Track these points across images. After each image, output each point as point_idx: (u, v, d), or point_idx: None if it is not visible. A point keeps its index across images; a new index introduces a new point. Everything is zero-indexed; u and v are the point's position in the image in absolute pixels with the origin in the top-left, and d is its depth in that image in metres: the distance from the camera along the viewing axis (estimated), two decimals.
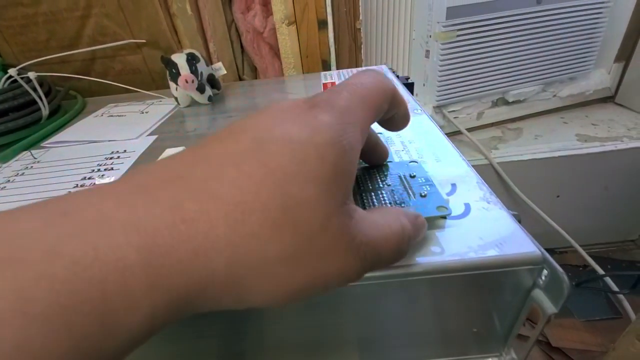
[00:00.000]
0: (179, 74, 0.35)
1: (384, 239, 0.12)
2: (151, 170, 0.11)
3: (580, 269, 0.67)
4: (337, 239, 0.11)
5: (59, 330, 0.08)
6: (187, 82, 0.35)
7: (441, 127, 0.73)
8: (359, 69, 0.47)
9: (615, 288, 0.56)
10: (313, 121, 0.11)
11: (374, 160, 0.20)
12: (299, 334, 0.19)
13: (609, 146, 0.63)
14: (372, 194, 0.18)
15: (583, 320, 0.59)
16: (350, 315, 0.18)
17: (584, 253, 0.59)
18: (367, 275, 0.16)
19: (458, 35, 0.59)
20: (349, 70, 0.47)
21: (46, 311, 0.08)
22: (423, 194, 0.18)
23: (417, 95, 0.69)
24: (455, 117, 0.69)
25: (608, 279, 0.56)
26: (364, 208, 0.17)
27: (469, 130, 0.68)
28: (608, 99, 0.76)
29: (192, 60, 0.35)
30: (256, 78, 0.59)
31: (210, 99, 0.39)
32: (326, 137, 0.11)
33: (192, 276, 0.09)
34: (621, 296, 0.57)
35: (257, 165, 0.10)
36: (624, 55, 0.70)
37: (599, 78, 0.73)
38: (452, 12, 0.56)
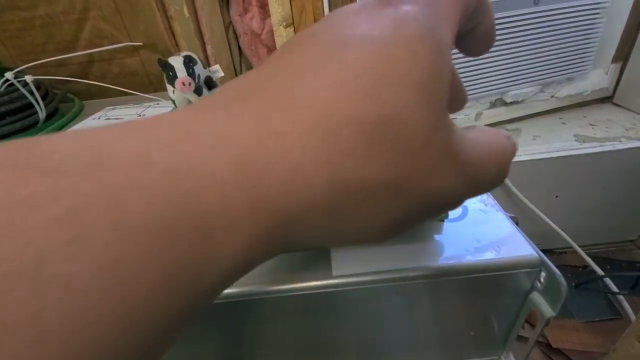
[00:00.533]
0: (176, 76, 0.35)
1: (486, 159, 0.11)
2: (226, 87, 0.10)
3: (580, 269, 0.67)
4: (442, 156, 0.09)
5: (160, 248, 0.07)
6: (184, 84, 0.35)
7: None
8: None
9: (614, 289, 0.56)
10: (396, 13, 0.09)
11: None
12: (297, 339, 0.19)
13: (608, 146, 0.62)
14: None
15: (583, 321, 0.58)
16: (348, 319, 0.18)
17: (583, 254, 0.59)
18: (365, 279, 0.16)
19: None
20: None
21: (144, 223, 0.07)
22: None
23: None
24: (453, 119, 0.68)
25: (608, 280, 0.56)
26: None
27: None
28: (606, 99, 0.76)
29: (189, 62, 0.35)
30: None
31: None
32: (416, 31, 0.09)
33: (293, 198, 0.08)
34: (621, 297, 0.57)
35: (338, 69, 0.09)
36: (622, 56, 0.70)
37: (597, 78, 0.73)
38: None
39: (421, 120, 0.09)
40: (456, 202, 0.10)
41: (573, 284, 0.61)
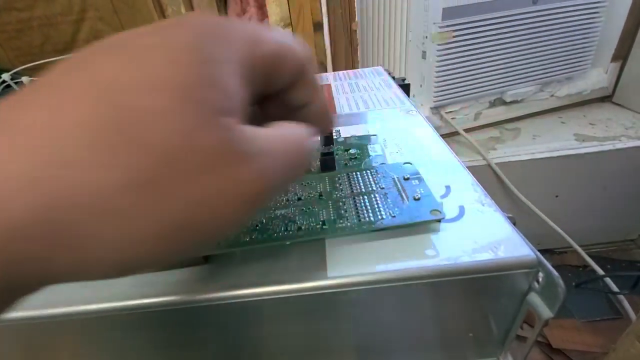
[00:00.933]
0: None
1: (275, 150, 0.10)
2: None
3: (580, 269, 0.67)
4: (211, 159, 0.08)
5: None
6: None
7: (439, 128, 0.72)
8: (356, 70, 0.47)
9: (615, 288, 0.56)
10: (172, 26, 0.09)
11: (299, 114, 0.13)
12: (291, 342, 0.19)
13: (607, 146, 0.62)
14: (365, 197, 0.18)
15: (583, 320, 0.58)
16: (343, 321, 0.18)
17: (583, 253, 0.59)
18: (361, 280, 0.16)
19: (454, 36, 0.58)
20: (345, 72, 0.47)
21: None
22: (416, 197, 0.17)
23: (414, 96, 0.69)
24: (452, 118, 0.68)
25: (608, 279, 0.56)
26: (357, 212, 0.17)
27: (467, 130, 0.68)
28: (605, 98, 0.76)
29: None
30: None
31: None
32: (182, 40, 0.09)
33: None
34: (621, 296, 0.56)
35: (77, 77, 0.08)
36: (621, 55, 0.70)
37: (596, 77, 0.73)
38: (448, 12, 0.56)
39: (176, 121, 0.08)
40: (244, 206, 0.09)
41: (573, 284, 0.61)
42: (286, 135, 0.11)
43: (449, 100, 0.66)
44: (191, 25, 0.09)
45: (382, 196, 0.18)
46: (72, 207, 0.07)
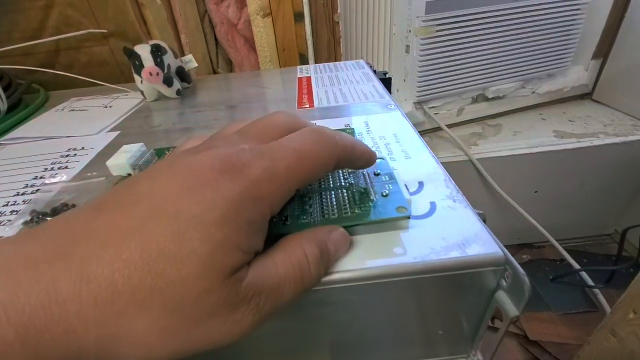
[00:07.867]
0: (142, 66, 0.33)
1: (280, 280, 0.13)
2: (43, 239, 0.11)
3: (557, 263, 0.68)
4: (219, 308, 0.11)
5: None
6: (151, 74, 0.33)
7: (422, 124, 0.72)
8: (338, 63, 0.46)
9: (591, 282, 0.57)
10: (213, 193, 0.11)
11: (356, 167, 0.18)
12: (265, 342, 0.18)
13: (586, 142, 0.63)
14: (332, 192, 0.17)
15: (560, 314, 0.59)
16: (313, 321, 0.17)
17: (560, 248, 0.60)
18: (327, 279, 0.15)
19: (437, 31, 0.58)
20: (327, 64, 0.46)
21: None
22: (385, 194, 0.17)
23: (398, 91, 0.68)
24: (436, 114, 0.68)
25: (584, 273, 0.57)
26: (322, 208, 0.17)
27: (450, 126, 0.68)
28: (585, 95, 0.77)
29: (157, 52, 0.34)
30: (232, 72, 0.57)
31: (179, 92, 0.38)
32: (218, 216, 0.11)
33: (65, 351, 0.10)
34: (597, 290, 0.58)
35: (135, 247, 0.10)
36: (602, 53, 0.71)
37: (577, 75, 0.74)
38: (432, 7, 0.56)
39: (196, 286, 0.11)
40: (244, 331, 0.12)
41: (550, 278, 0.62)
42: (291, 267, 0.13)
43: (432, 96, 0.66)
44: (234, 190, 0.12)
45: (349, 192, 0.17)
46: (117, 342, 0.10)
